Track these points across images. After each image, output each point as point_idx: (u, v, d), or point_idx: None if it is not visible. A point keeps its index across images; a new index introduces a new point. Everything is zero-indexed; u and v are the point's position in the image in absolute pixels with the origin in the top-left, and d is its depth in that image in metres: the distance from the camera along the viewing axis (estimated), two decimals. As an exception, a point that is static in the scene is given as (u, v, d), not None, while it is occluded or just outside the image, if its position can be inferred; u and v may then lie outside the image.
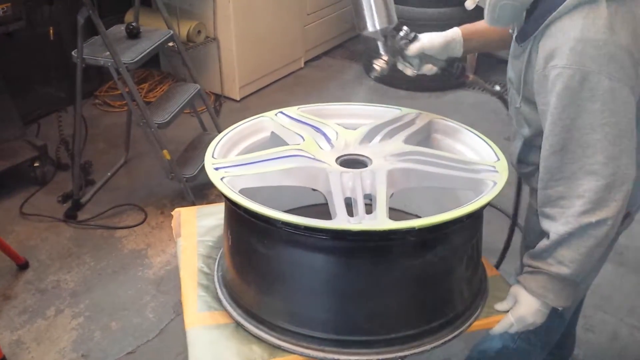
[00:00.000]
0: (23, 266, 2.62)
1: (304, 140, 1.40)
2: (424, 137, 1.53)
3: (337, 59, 4.69)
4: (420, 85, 4.08)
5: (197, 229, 1.61)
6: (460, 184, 1.35)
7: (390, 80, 4.14)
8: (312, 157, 1.33)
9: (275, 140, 1.50)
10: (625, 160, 1.18)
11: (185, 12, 3.74)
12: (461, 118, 1.55)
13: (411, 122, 1.52)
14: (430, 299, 1.26)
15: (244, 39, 3.89)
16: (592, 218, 1.18)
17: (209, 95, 3.87)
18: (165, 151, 2.73)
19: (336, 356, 1.20)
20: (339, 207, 1.17)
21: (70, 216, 2.91)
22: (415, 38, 1.46)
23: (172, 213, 1.70)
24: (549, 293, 1.28)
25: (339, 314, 1.22)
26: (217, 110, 3.85)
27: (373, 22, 1.41)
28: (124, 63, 2.59)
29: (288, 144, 1.41)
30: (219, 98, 4.01)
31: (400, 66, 1.50)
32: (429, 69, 1.51)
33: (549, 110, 1.20)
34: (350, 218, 1.15)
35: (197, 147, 3.05)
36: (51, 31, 3.41)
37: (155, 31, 2.92)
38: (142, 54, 2.69)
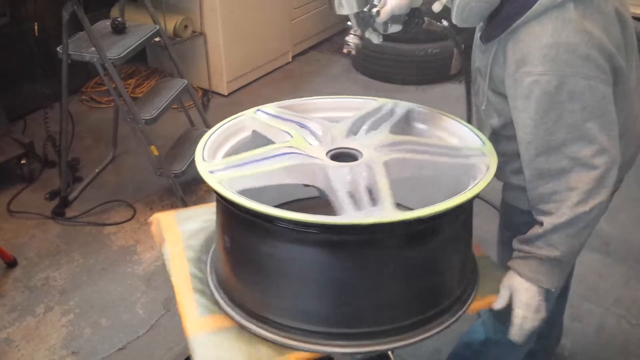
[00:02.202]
0: (11, 264, 2.60)
1: (291, 137, 1.39)
2: (406, 126, 1.51)
3: (325, 52, 4.68)
4: (407, 78, 4.10)
5: (181, 234, 1.57)
6: (454, 170, 1.34)
7: (377, 74, 4.16)
8: (304, 153, 1.32)
9: (258, 139, 1.47)
10: (612, 149, 1.22)
11: (171, 6, 3.72)
12: (448, 111, 1.55)
13: (391, 112, 1.51)
14: (430, 287, 1.27)
15: (231, 34, 3.87)
16: (586, 207, 1.22)
17: (196, 91, 3.85)
18: (153, 147, 2.72)
19: (341, 349, 1.20)
20: (344, 202, 1.16)
21: (58, 213, 2.90)
22: (382, 1, 1.43)
23: (150, 220, 1.65)
24: (541, 276, 1.29)
25: (345, 307, 1.21)
26: (205, 105, 3.83)
27: (351, 5, 1.39)
28: (110, 59, 2.58)
29: (274, 142, 1.39)
30: (207, 93, 4.00)
31: (367, 34, 1.47)
32: (396, 27, 1.49)
33: (527, 115, 1.22)
34: (358, 212, 1.14)
35: (185, 142, 3.04)
36: (36, 27, 3.38)
37: (141, 26, 2.90)
38: (128, 50, 2.68)
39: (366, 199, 1.17)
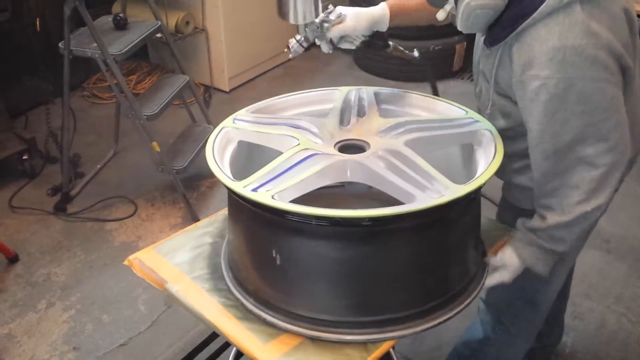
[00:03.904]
0: (13, 259, 2.61)
1: (298, 140, 1.32)
2: (377, 109, 1.50)
3: (327, 49, 4.67)
4: (409, 75, 4.09)
5: (178, 268, 1.43)
6: (462, 139, 1.38)
7: (379, 71, 4.15)
8: (323, 152, 1.28)
9: (245, 148, 1.41)
10: (621, 146, 1.22)
11: (173, 2, 3.71)
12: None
13: (362, 99, 1.50)
14: (450, 269, 1.29)
15: (232, 30, 3.87)
16: (588, 207, 1.23)
17: (198, 87, 3.85)
18: (154, 143, 2.72)
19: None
20: (408, 188, 1.15)
21: (59, 209, 2.90)
22: (340, 17, 1.43)
23: (128, 263, 1.45)
24: (539, 262, 1.34)
25: (398, 293, 1.22)
26: (207, 101, 3.83)
27: (295, 17, 1.38)
28: (112, 54, 2.58)
29: (274, 149, 1.33)
30: (208, 89, 3.99)
31: (317, 42, 1.48)
32: (349, 45, 1.50)
33: (533, 118, 1.22)
34: (427, 193, 1.14)
35: (186, 139, 3.04)
36: (37, 22, 3.38)
37: (143, 22, 2.90)
38: (130, 46, 2.68)
39: (423, 181, 1.18)
